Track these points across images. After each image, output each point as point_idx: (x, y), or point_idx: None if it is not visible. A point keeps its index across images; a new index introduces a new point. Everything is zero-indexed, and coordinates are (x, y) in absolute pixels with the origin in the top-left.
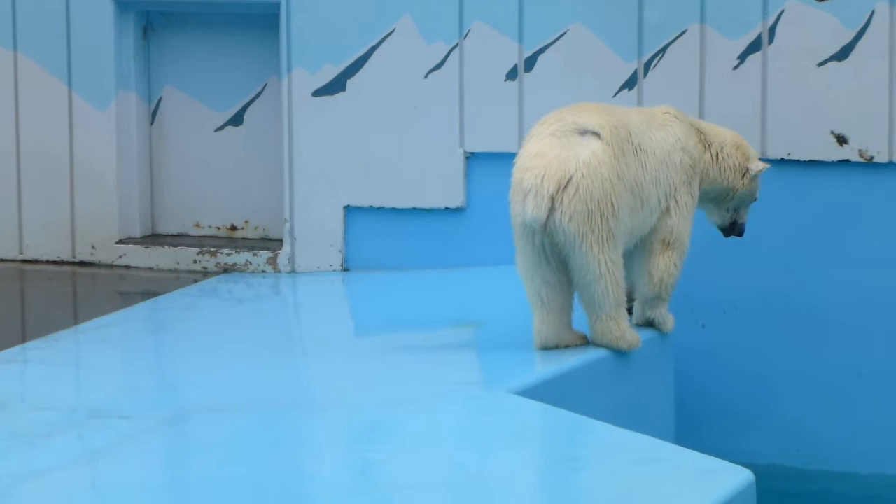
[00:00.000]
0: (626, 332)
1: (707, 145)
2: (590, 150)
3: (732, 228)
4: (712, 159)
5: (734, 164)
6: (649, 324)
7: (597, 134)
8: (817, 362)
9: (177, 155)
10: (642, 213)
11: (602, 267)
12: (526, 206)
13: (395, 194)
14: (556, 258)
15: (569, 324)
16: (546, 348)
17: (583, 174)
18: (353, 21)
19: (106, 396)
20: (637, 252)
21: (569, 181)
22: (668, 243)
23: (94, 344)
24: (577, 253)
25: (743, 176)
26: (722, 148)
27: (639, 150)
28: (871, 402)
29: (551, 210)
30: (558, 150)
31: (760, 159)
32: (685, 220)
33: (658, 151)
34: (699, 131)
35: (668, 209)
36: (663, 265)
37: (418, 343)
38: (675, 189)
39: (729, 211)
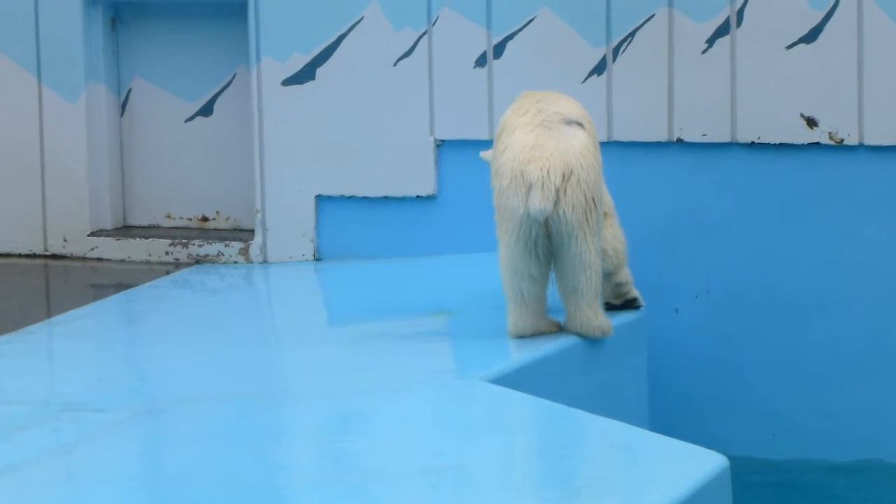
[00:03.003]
0: (602, 321)
1: None
2: (581, 142)
3: None
4: None
5: None
6: (618, 294)
7: (580, 124)
8: (790, 346)
9: (147, 146)
10: None
11: (592, 256)
12: (532, 199)
13: (366, 183)
14: (544, 251)
15: (544, 313)
16: (521, 337)
17: (581, 165)
18: (321, 9)
19: (79, 389)
20: None
21: (571, 172)
22: (606, 214)
23: (67, 337)
24: (573, 243)
25: None
26: None
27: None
28: (844, 386)
29: (556, 202)
30: (556, 142)
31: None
32: (606, 191)
33: (597, 142)
34: None
35: None
36: (611, 235)
37: (391, 332)
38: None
39: None
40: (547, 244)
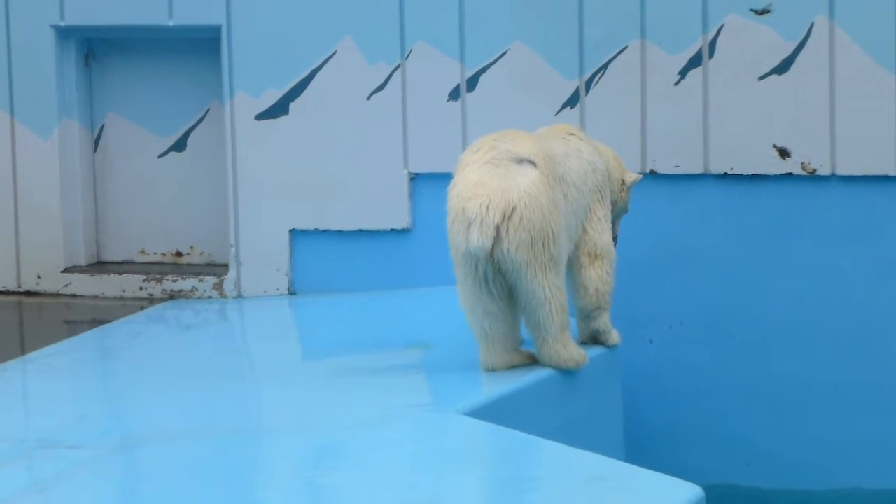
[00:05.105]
0: (574, 352)
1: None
2: (529, 180)
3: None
4: (608, 173)
5: (617, 176)
6: (594, 338)
7: (532, 162)
8: (764, 376)
9: (121, 182)
10: (569, 240)
11: (546, 291)
12: (471, 236)
13: (340, 217)
14: (499, 286)
15: (515, 348)
16: (493, 371)
17: (525, 203)
18: (294, 44)
19: (55, 426)
20: (567, 271)
21: (513, 210)
22: (595, 255)
23: (41, 373)
24: (522, 280)
25: (621, 187)
26: (608, 161)
27: (562, 181)
28: (817, 416)
29: (497, 239)
30: (499, 180)
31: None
32: (605, 231)
33: (577, 181)
34: (595, 146)
35: (584, 228)
36: (595, 275)
37: (367, 366)
38: (591, 210)
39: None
40: (501, 280)
